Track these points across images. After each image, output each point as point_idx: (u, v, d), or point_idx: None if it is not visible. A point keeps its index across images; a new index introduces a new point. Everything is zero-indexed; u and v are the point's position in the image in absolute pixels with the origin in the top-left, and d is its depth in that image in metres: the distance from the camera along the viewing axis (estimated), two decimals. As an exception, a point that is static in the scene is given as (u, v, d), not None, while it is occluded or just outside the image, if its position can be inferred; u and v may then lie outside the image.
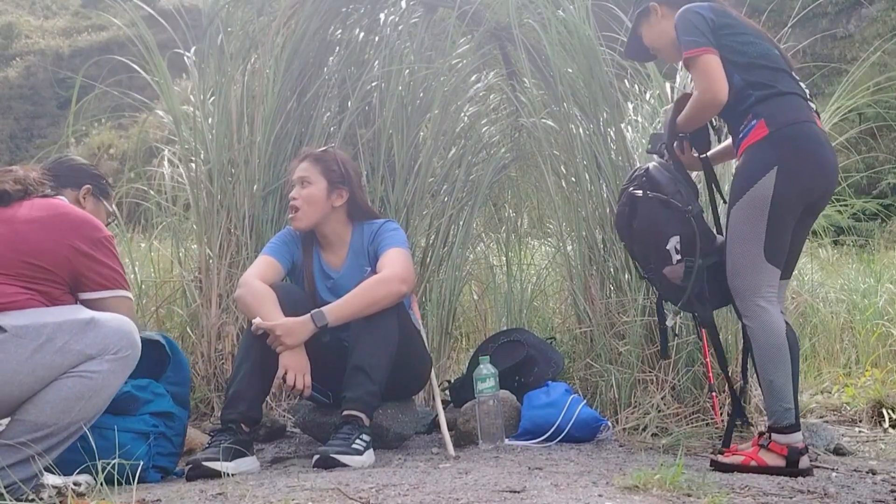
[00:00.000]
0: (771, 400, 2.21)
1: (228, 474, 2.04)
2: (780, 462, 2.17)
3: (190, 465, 2.15)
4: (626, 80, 3.40)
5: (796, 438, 2.19)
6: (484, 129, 3.86)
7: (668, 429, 2.76)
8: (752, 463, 2.18)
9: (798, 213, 2.27)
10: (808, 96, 2.34)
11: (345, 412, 2.30)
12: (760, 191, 2.20)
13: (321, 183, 2.56)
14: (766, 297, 2.24)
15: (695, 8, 2.33)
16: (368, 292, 2.37)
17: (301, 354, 2.33)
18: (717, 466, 2.21)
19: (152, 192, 3.66)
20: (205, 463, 2.12)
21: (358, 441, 2.23)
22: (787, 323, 2.33)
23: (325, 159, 2.60)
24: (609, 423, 2.76)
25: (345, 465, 2.16)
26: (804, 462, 2.18)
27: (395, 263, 2.44)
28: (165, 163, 3.62)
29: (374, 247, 2.56)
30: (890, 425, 3.26)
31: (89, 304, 1.98)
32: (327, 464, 2.16)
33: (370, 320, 2.36)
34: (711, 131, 2.50)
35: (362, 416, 2.30)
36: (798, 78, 2.37)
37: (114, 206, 2.54)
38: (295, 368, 2.31)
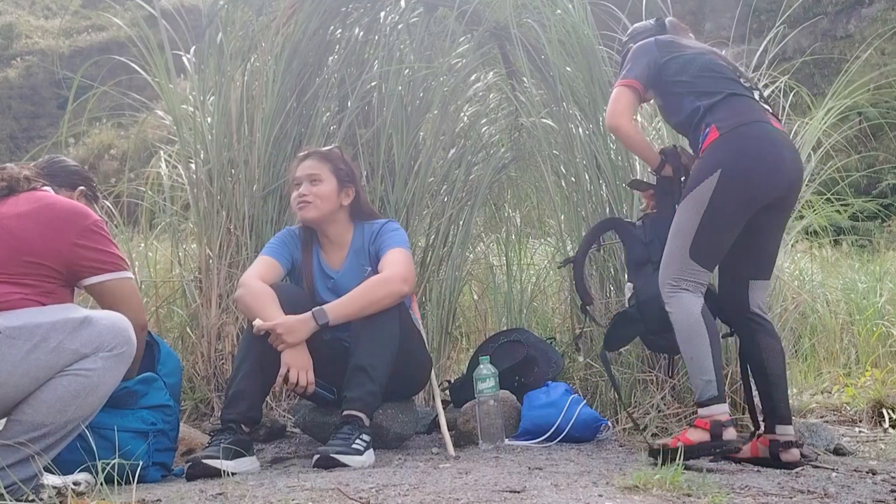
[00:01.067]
0: (693, 375, 2.28)
1: (228, 473, 2.04)
2: (705, 437, 2.21)
3: (190, 464, 2.15)
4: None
5: (719, 410, 2.23)
6: (483, 129, 3.85)
7: (668, 429, 2.76)
8: (679, 444, 2.22)
9: (746, 215, 2.32)
10: (762, 97, 2.44)
11: (345, 412, 2.30)
12: (700, 192, 2.28)
13: (332, 181, 2.57)
14: (686, 287, 2.31)
15: (642, 45, 2.51)
16: (370, 292, 2.37)
17: (303, 352, 2.33)
18: (651, 453, 2.26)
19: (150, 192, 3.65)
20: (205, 461, 2.12)
21: (358, 441, 2.23)
22: (761, 323, 2.42)
23: (333, 158, 2.61)
24: (609, 423, 2.76)
25: (345, 465, 2.16)
26: (728, 434, 2.21)
27: (396, 263, 2.44)
28: (162, 162, 3.61)
29: (375, 247, 2.56)
30: (890, 425, 3.26)
31: (92, 289, 1.98)
32: (328, 464, 2.16)
33: (371, 320, 2.35)
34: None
35: (362, 415, 2.30)
36: (752, 84, 2.47)
37: (103, 209, 2.53)
38: (297, 366, 2.31)
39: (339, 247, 2.62)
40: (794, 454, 2.33)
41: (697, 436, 2.22)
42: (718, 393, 2.25)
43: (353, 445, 2.21)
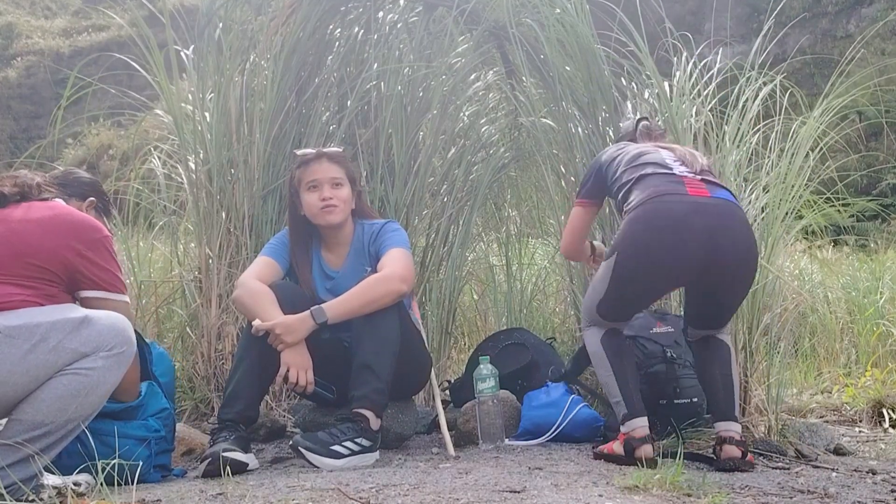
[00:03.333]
0: (608, 398, 2.39)
1: (248, 466, 2.16)
2: (621, 451, 2.28)
3: (209, 460, 2.11)
4: (623, 79, 3.38)
5: (633, 426, 2.28)
6: (483, 129, 3.85)
7: (668, 429, 2.76)
8: (605, 451, 2.33)
9: (656, 288, 2.43)
10: (690, 172, 2.35)
11: (353, 410, 2.29)
12: (607, 266, 2.33)
13: (348, 184, 2.58)
14: (595, 324, 2.45)
15: (594, 160, 2.66)
16: (368, 290, 2.36)
17: (302, 351, 2.32)
18: (595, 455, 2.39)
19: (145, 191, 3.64)
20: (226, 453, 2.11)
21: (347, 444, 2.22)
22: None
23: (345, 160, 2.63)
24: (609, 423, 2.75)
25: (311, 464, 2.17)
26: (643, 451, 2.24)
27: (395, 263, 2.44)
28: (157, 161, 3.60)
29: (375, 247, 2.56)
30: (890, 425, 3.26)
31: (87, 302, 1.98)
32: (297, 455, 2.19)
33: (371, 320, 2.35)
34: None
35: (370, 414, 2.28)
36: (681, 160, 2.41)
37: (112, 223, 2.54)
38: (297, 365, 2.30)
39: (341, 247, 2.62)
40: (728, 451, 2.26)
41: (618, 448, 2.29)
42: (629, 410, 2.31)
43: (334, 447, 2.20)
